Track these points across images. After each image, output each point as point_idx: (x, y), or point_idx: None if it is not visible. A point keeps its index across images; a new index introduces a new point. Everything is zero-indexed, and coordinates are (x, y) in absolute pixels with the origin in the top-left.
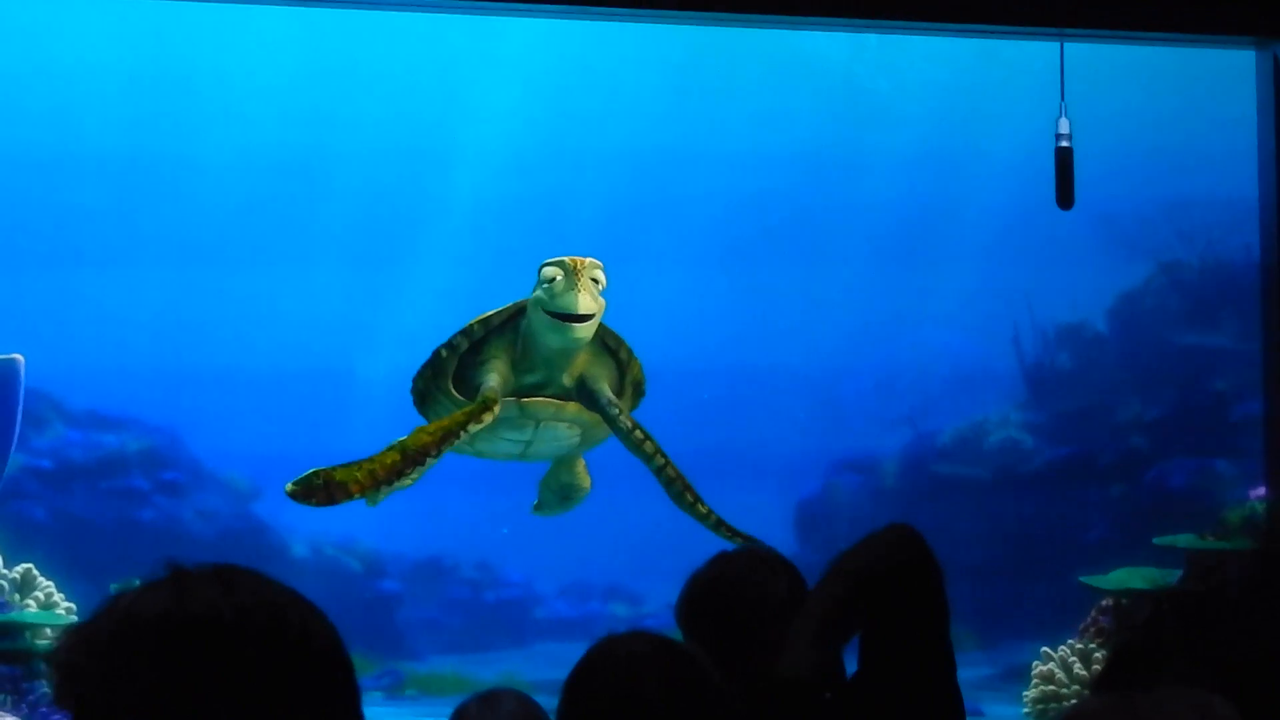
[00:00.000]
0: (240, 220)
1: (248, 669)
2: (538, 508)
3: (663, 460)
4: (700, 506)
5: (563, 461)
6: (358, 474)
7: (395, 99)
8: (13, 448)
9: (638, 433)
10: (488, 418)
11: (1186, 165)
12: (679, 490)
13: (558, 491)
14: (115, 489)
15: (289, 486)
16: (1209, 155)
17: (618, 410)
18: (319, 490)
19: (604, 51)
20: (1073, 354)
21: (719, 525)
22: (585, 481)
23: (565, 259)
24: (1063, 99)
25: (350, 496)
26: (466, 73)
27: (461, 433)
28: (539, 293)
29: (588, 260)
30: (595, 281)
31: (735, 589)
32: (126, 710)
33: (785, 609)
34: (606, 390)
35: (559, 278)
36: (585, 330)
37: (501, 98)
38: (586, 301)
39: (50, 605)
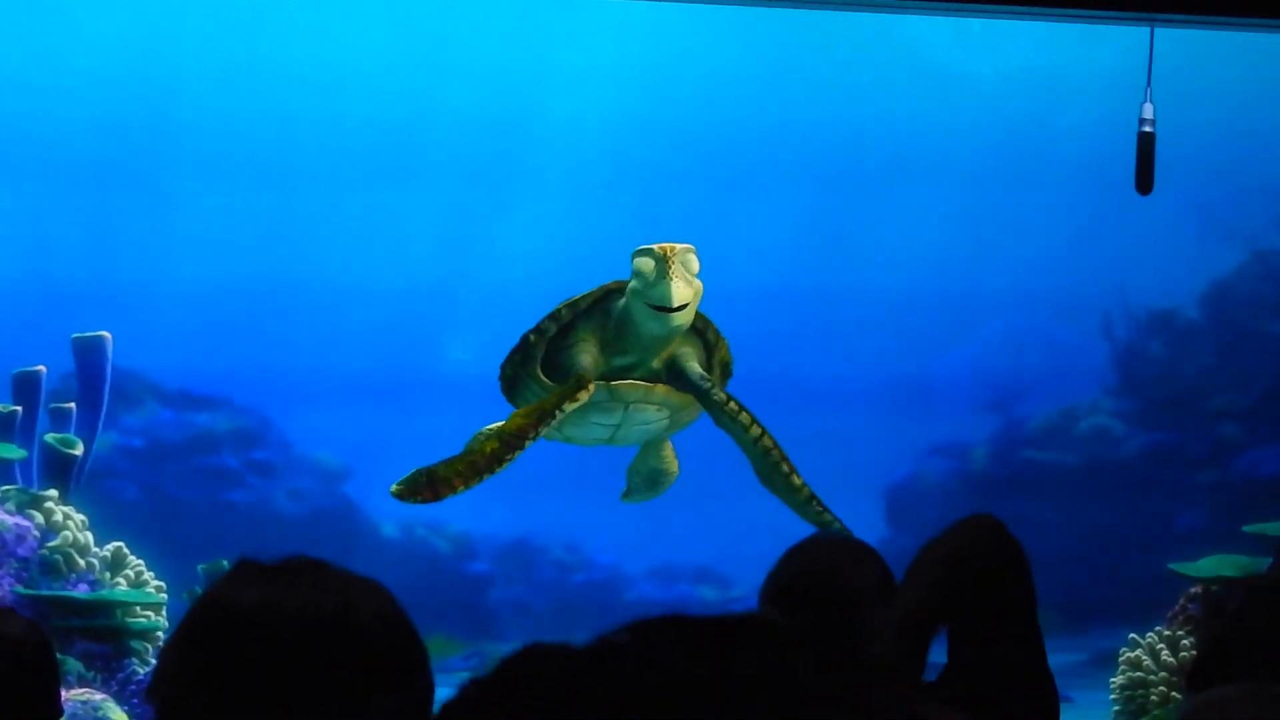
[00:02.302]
0: (333, 201)
1: (317, 664)
2: (627, 495)
3: (759, 431)
4: (795, 478)
5: (651, 446)
6: (459, 467)
7: (485, 82)
8: (101, 424)
9: (732, 405)
10: (583, 396)
11: None
12: (776, 461)
13: (646, 477)
14: (206, 468)
15: (394, 488)
16: None
17: (710, 384)
18: (424, 488)
19: (700, 22)
20: (1165, 341)
21: (811, 499)
22: (673, 466)
23: (655, 248)
24: (1149, 84)
25: (454, 490)
26: (561, 56)
27: (557, 412)
28: (634, 283)
29: (679, 247)
30: (687, 267)
31: (827, 579)
32: (205, 705)
33: (875, 599)
34: (697, 367)
35: (652, 268)
36: (684, 317)
37: (591, 83)
38: (681, 291)
39: (140, 584)
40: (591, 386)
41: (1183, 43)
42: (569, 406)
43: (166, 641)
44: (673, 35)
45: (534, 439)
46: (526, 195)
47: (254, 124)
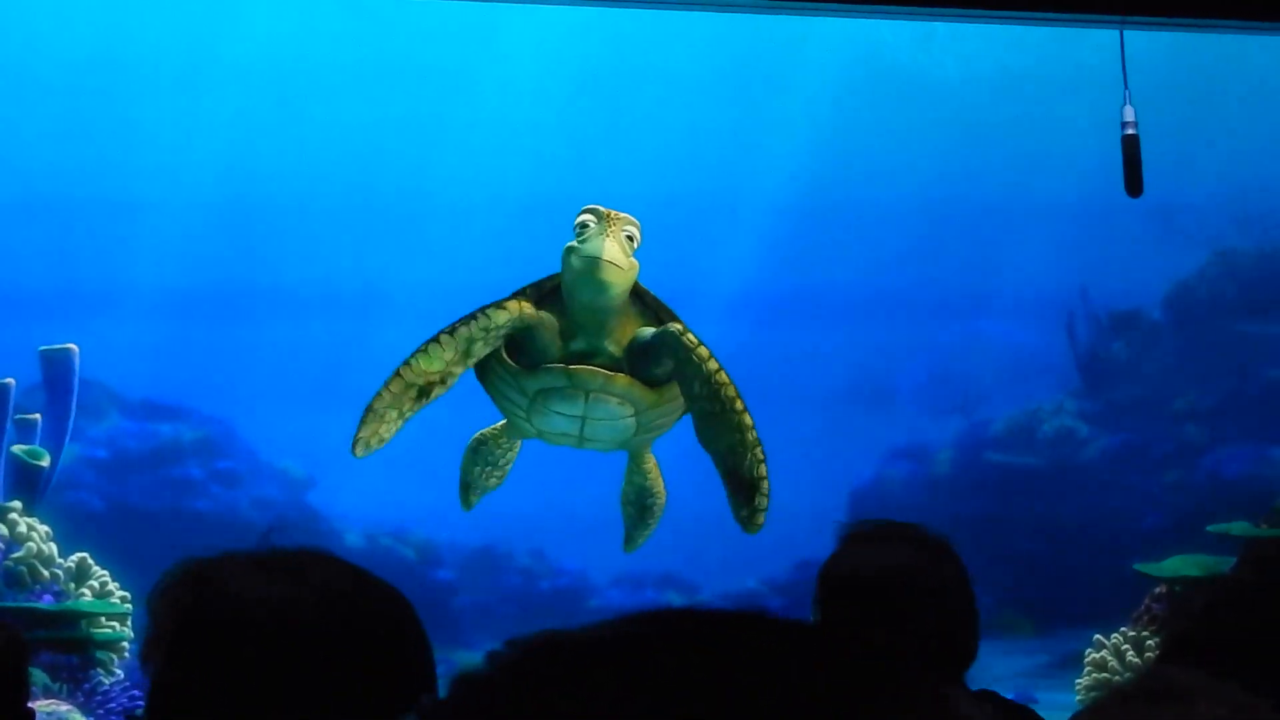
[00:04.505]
0: (298, 212)
1: (324, 654)
2: (629, 543)
3: (716, 365)
4: (746, 418)
5: (633, 460)
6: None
7: (447, 92)
8: (68, 436)
9: (690, 336)
10: (514, 307)
11: (1243, 154)
12: (730, 396)
13: (636, 504)
14: (170, 478)
15: (354, 449)
16: (1266, 144)
17: (678, 329)
18: (367, 431)
19: (661, 34)
20: (1128, 342)
21: (756, 445)
22: (659, 485)
23: (600, 208)
24: (1126, 87)
25: (384, 407)
26: (515, 59)
27: (480, 315)
28: (573, 240)
29: (623, 215)
30: (630, 239)
31: (907, 578)
32: (207, 682)
33: (951, 601)
34: (650, 330)
35: (591, 224)
36: (614, 277)
37: (555, 89)
38: (613, 250)
39: (105, 594)
40: (527, 306)
41: (1144, 45)
42: (497, 315)
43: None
44: (640, 35)
45: (449, 337)
46: (477, 196)
47: (213, 129)
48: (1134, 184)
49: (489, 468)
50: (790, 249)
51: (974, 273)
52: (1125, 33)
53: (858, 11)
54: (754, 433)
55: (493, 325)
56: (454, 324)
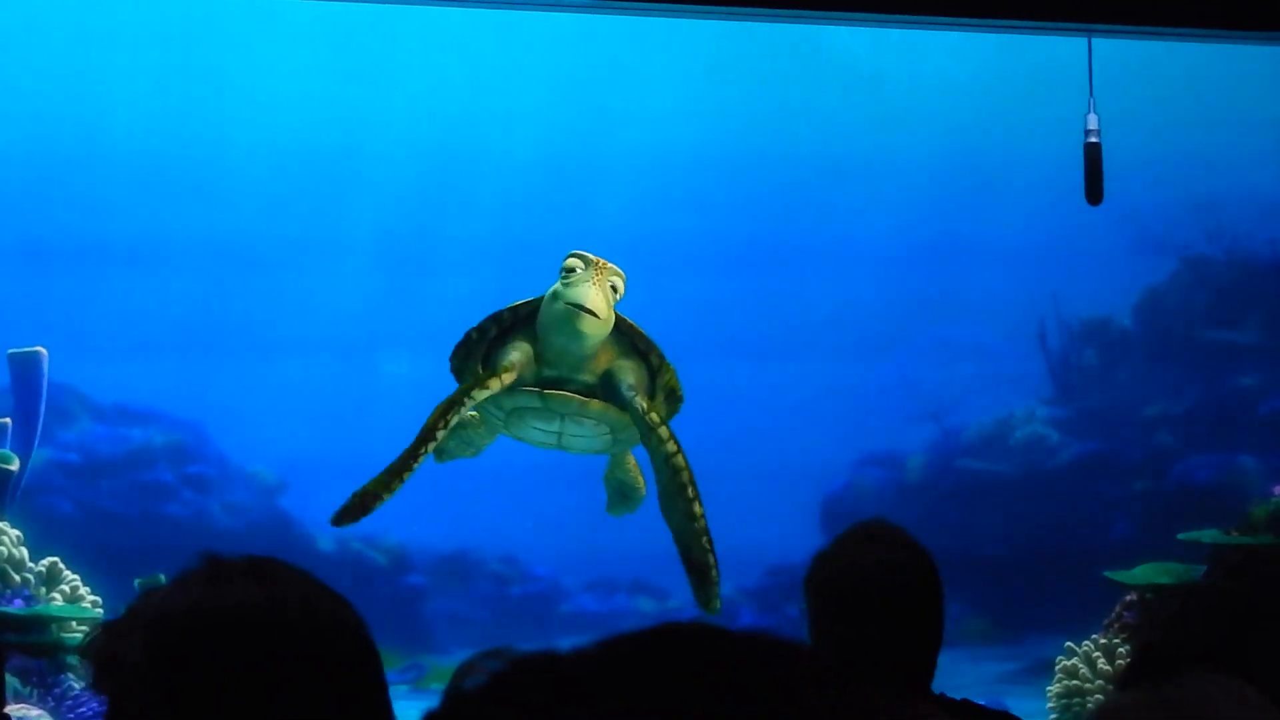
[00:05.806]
0: (268, 217)
1: (279, 660)
2: (609, 508)
3: (675, 448)
4: (697, 506)
5: (615, 459)
6: (381, 476)
7: (422, 97)
8: (37, 440)
9: (654, 415)
10: (495, 384)
11: (1212, 162)
12: (684, 483)
13: (617, 489)
14: (142, 483)
15: (333, 519)
16: (1235, 152)
17: (635, 393)
18: (356, 508)
19: (623, 49)
20: (1098, 350)
21: (703, 534)
22: (639, 482)
23: (590, 254)
24: (1091, 95)
25: (380, 499)
26: (494, 70)
27: (466, 399)
28: (557, 284)
29: (610, 264)
30: (614, 290)
31: (881, 576)
32: (161, 701)
33: (923, 597)
34: (630, 379)
35: (578, 269)
36: (591, 327)
37: (528, 96)
38: (596, 298)
39: (76, 599)
40: (507, 378)
41: (1113, 53)
42: (479, 394)
43: (104, 630)
44: (602, 44)
45: (446, 428)
46: (460, 209)
47: (186, 134)
48: (1095, 192)
49: (465, 445)
50: (758, 257)
51: (946, 279)
52: (1094, 41)
53: (819, 19)
54: (703, 520)
55: (489, 394)
56: (448, 406)
